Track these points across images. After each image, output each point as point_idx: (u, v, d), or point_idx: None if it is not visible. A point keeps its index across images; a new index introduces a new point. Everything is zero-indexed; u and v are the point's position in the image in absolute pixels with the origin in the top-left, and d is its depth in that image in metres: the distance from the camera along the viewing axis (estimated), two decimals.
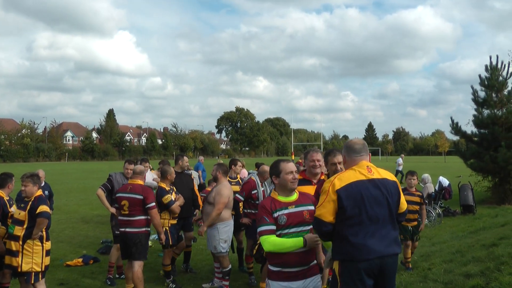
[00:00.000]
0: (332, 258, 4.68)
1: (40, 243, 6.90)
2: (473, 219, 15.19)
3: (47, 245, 7.04)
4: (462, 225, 13.97)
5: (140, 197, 7.78)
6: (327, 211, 4.44)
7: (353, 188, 4.42)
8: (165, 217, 8.72)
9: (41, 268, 6.91)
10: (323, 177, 6.27)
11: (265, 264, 7.71)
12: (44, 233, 6.97)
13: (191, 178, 10.20)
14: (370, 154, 4.95)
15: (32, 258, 6.83)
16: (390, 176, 4.68)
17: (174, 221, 8.86)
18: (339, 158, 5.62)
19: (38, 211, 6.79)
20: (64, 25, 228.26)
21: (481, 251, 7.63)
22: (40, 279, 6.96)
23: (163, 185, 8.81)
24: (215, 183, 8.60)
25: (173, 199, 8.68)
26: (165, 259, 8.88)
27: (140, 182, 8.05)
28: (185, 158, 10.22)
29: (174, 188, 9.07)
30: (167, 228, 8.70)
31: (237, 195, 9.05)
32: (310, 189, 5.97)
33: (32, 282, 6.90)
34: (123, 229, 7.87)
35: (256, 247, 6.01)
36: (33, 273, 6.86)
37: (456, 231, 12.69)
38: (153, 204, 7.79)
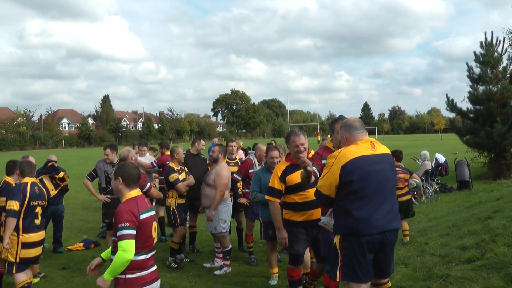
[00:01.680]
0: (333, 233, 4.75)
1: (16, 234, 6.64)
2: (469, 195, 15.31)
3: (25, 237, 6.69)
4: (458, 201, 14.09)
5: None
6: (325, 185, 4.60)
7: (358, 163, 4.51)
8: (173, 196, 8.85)
9: (16, 260, 6.61)
10: (310, 155, 6.26)
11: (268, 251, 7.81)
12: (20, 224, 6.68)
13: (205, 162, 10.19)
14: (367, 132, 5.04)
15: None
16: (388, 150, 4.84)
17: (182, 201, 8.95)
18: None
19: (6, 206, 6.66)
20: (55, 11, 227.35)
21: (477, 225, 7.73)
22: (14, 271, 6.65)
23: (172, 164, 8.95)
24: (215, 164, 8.63)
25: (180, 178, 8.77)
26: (175, 236, 8.97)
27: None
28: (202, 141, 10.29)
29: (185, 168, 9.16)
30: (174, 207, 8.82)
31: (234, 175, 9.17)
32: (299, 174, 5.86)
33: (5, 271, 6.76)
34: None
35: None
36: (7, 262, 6.66)
37: (453, 207, 12.81)
38: (148, 185, 8.06)
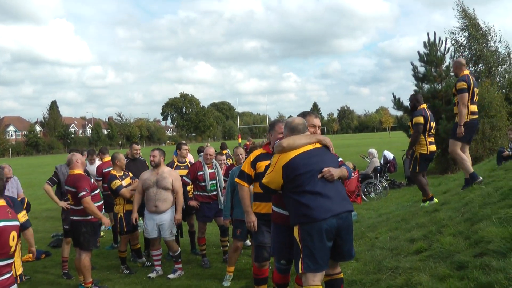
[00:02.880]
0: (291, 225, 4.91)
1: None
2: (418, 190, 15.55)
3: None
4: (407, 196, 14.37)
5: (73, 189, 7.70)
6: (271, 181, 5.01)
7: (300, 159, 4.83)
8: (120, 203, 8.78)
9: None
10: None
11: (231, 249, 7.82)
12: None
13: (145, 165, 10.25)
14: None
15: None
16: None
17: (131, 207, 8.79)
18: (317, 121, 5.61)
19: None
20: None
21: (424, 217, 7.92)
22: None
23: (114, 171, 8.88)
24: (157, 168, 8.54)
25: (124, 184, 8.71)
26: (121, 245, 8.95)
27: (76, 171, 7.89)
28: (134, 145, 10.40)
29: (130, 173, 9.12)
30: (122, 214, 8.74)
31: (184, 178, 9.17)
32: None
33: None
34: (72, 217, 7.91)
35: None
36: None
37: (402, 202, 13.07)
38: (84, 193, 7.59)
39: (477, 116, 8.95)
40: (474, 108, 8.85)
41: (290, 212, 4.91)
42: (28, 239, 6.68)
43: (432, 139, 9.34)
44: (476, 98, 8.94)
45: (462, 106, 8.66)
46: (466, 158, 9.03)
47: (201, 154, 9.99)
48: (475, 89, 8.85)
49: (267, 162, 5.84)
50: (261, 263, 6.38)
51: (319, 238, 4.63)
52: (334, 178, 4.84)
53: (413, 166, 9.46)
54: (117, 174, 8.85)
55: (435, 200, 9.35)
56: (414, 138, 9.29)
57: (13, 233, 4.58)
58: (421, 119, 9.12)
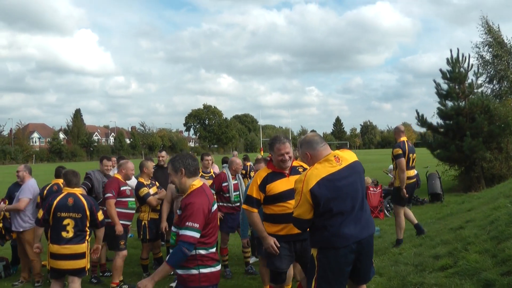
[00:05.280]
0: (310, 247, 4.75)
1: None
2: (441, 207, 15.53)
3: (51, 247, 6.75)
4: (430, 213, 14.28)
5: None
6: (304, 211, 4.53)
7: (326, 183, 4.46)
8: (145, 211, 8.87)
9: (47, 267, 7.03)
10: (295, 163, 5.86)
11: (261, 266, 7.70)
12: (49, 233, 6.98)
13: None
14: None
15: None
16: (354, 157, 4.79)
17: (155, 216, 8.93)
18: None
19: None
20: (23, 24, 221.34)
21: (449, 234, 7.89)
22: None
23: (141, 179, 8.95)
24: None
25: (151, 192, 8.78)
26: (143, 253, 9.02)
27: (116, 175, 8.41)
28: (161, 153, 10.55)
29: (156, 183, 9.23)
30: (146, 222, 8.82)
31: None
32: (285, 182, 5.59)
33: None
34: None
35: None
36: None
37: (425, 218, 12.99)
38: (110, 195, 8.01)
39: (414, 180, 9.73)
40: (410, 173, 9.56)
41: (311, 233, 4.71)
42: (99, 236, 7.21)
43: None
44: (412, 163, 9.62)
45: (400, 171, 9.43)
46: (404, 225, 9.73)
47: (225, 165, 10.01)
48: (411, 155, 9.52)
49: (279, 181, 5.61)
50: (277, 284, 5.92)
51: (337, 265, 4.48)
52: None
53: None
54: (145, 182, 8.94)
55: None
56: None
57: None
58: None
